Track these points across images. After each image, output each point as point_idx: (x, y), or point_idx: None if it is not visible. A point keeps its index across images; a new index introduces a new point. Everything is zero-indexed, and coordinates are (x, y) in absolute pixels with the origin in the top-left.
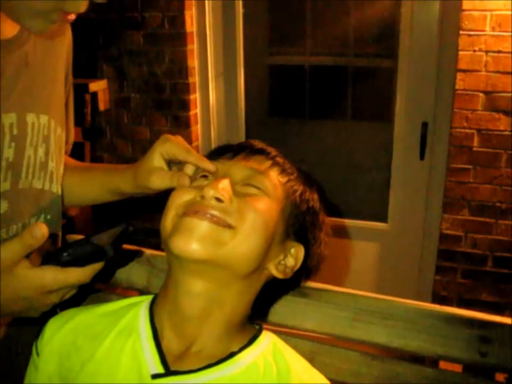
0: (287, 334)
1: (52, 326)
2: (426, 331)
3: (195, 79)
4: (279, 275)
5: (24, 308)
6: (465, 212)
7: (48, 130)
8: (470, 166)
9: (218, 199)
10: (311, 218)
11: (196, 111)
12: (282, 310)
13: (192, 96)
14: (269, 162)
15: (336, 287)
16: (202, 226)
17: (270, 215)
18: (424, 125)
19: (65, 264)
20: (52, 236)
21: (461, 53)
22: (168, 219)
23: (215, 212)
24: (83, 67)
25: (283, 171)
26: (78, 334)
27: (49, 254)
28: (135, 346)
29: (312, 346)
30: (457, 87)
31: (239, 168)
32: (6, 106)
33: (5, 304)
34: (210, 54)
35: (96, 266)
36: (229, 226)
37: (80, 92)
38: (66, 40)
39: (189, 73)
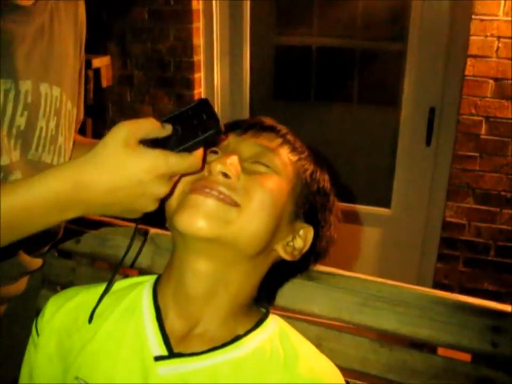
0: (294, 318)
1: (52, 305)
2: (436, 319)
3: (200, 57)
4: (287, 257)
5: (136, 198)
6: (470, 200)
7: (60, 103)
8: (476, 154)
9: (225, 175)
10: (322, 199)
11: (200, 90)
12: (290, 293)
13: (196, 75)
14: (279, 140)
15: (345, 271)
16: (208, 203)
17: (278, 194)
18: (432, 111)
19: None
20: None
21: (472, 38)
22: (175, 196)
23: (221, 188)
24: (86, 43)
25: (294, 149)
26: (79, 313)
27: (153, 141)
28: (138, 327)
29: (319, 331)
30: (466, 73)
31: (249, 145)
32: (24, 73)
33: (121, 189)
34: (216, 33)
35: (201, 152)
36: (235, 204)
37: None
38: (79, 16)
39: (194, 51)
